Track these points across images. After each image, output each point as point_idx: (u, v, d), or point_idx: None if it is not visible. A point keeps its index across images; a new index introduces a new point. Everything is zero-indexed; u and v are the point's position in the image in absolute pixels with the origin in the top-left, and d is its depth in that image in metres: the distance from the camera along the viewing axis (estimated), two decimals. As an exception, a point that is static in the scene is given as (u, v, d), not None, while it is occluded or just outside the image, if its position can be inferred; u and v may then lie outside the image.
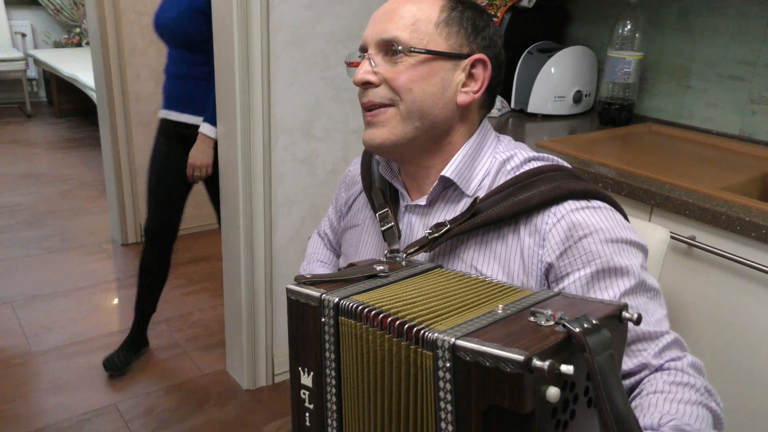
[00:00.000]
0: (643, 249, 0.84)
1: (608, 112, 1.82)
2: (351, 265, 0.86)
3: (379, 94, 0.86)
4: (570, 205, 0.82)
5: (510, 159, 0.89)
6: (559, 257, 0.81)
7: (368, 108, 0.87)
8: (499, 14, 1.92)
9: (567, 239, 0.80)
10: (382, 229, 0.92)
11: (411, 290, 0.72)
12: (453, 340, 0.58)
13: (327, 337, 0.70)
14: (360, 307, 0.67)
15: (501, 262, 0.84)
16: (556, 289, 0.81)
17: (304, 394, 0.74)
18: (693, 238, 1.25)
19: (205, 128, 1.94)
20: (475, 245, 0.86)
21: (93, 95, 3.89)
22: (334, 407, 0.71)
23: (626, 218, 0.87)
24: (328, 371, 0.71)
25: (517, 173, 0.87)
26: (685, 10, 1.77)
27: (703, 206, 1.22)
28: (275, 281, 2.05)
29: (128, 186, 3.09)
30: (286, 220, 2.00)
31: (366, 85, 0.86)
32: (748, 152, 1.60)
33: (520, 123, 1.87)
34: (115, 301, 2.65)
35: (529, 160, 0.89)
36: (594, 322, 0.59)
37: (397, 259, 0.85)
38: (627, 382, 0.79)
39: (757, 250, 1.16)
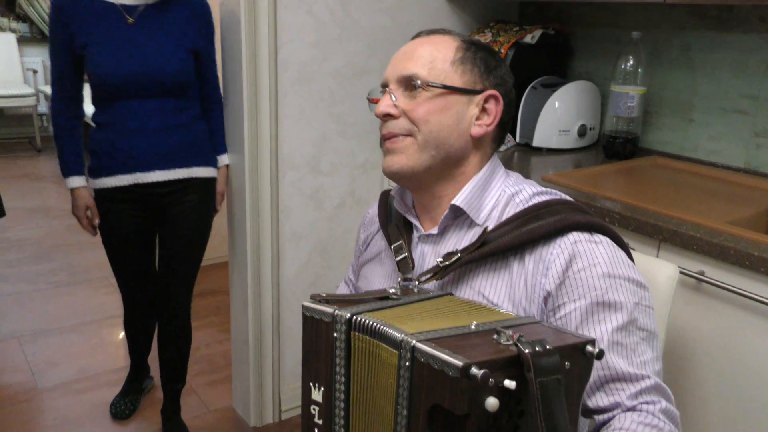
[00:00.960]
0: (641, 287, 0.86)
1: (613, 146, 1.84)
2: (367, 293, 0.89)
3: (398, 125, 0.92)
4: (574, 237, 0.85)
5: (519, 192, 0.94)
6: (558, 287, 0.84)
7: (388, 137, 0.93)
8: (503, 50, 1.95)
9: (566, 270, 0.83)
10: (397, 259, 0.96)
11: (417, 311, 0.77)
12: (414, 342, 0.65)
13: (338, 351, 0.74)
14: (373, 323, 0.71)
15: (507, 289, 0.87)
16: (552, 319, 0.84)
17: (314, 409, 0.78)
18: (702, 273, 1.24)
19: (224, 159, 1.91)
20: (484, 273, 0.90)
21: (102, 130, 3.94)
22: (342, 422, 0.75)
23: (630, 255, 0.89)
24: (337, 386, 0.75)
25: (526, 206, 0.91)
26: (686, 46, 1.80)
27: (711, 241, 1.22)
28: (282, 316, 2.05)
29: (136, 220, 3.11)
30: (293, 254, 2.01)
31: (387, 117, 0.92)
32: (754, 185, 1.60)
33: (525, 157, 1.88)
34: (121, 335, 2.64)
35: (537, 194, 0.93)
36: (548, 347, 0.64)
37: (410, 286, 0.89)
38: (599, 418, 0.82)
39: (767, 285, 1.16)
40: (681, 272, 1.23)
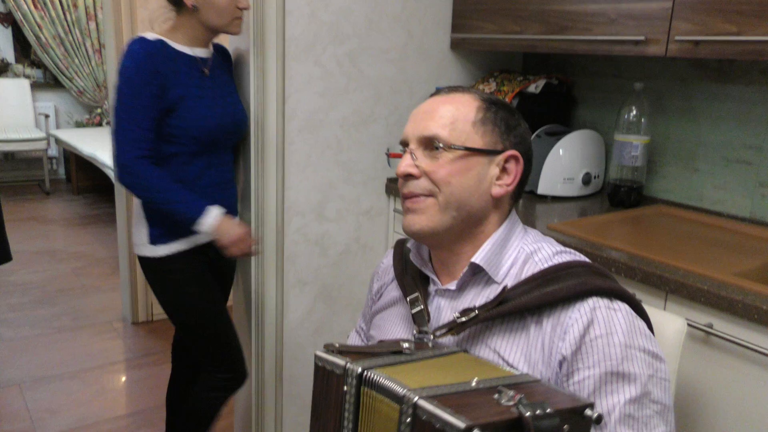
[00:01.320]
0: (658, 359, 0.84)
1: (618, 194, 1.84)
2: (380, 342, 0.90)
3: (419, 185, 0.92)
4: (593, 302, 0.84)
5: (538, 251, 0.94)
6: (574, 353, 0.82)
7: (409, 197, 0.94)
8: (507, 99, 1.98)
9: (583, 336, 0.82)
10: (413, 311, 0.96)
11: (427, 367, 0.76)
12: (416, 398, 0.64)
13: (347, 405, 0.74)
14: (379, 377, 0.70)
15: (523, 351, 0.86)
16: (565, 385, 0.83)
17: None
18: (710, 326, 1.23)
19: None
20: (501, 332, 0.88)
21: (110, 173, 3.99)
22: None
23: (649, 324, 0.88)
24: None
25: (545, 266, 0.90)
26: (688, 97, 1.82)
27: (719, 294, 1.20)
28: (286, 364, 2.02)
29: (141, 264, 3.11)
30: (297, 301, 2.00)
31: (408, 177, 0.93)
32: (760, 235, 1.60)
33: (530, 205, 1.89)
34: (123, 382, 2.61)
35: (557, 253, 0.93)
36: (548, 410, 0.64)
37: (425, 340, 0.88)
38: None
39: (778, 339, 1.14)
40: (689, 325, 1.21)
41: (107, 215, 4.97)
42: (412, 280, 1.01)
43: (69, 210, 5.15)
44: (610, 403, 0.80)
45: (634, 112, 1.78)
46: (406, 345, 0.81)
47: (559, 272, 0.88)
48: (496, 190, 0.93)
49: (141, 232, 1.68)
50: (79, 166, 5.58)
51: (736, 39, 1.36)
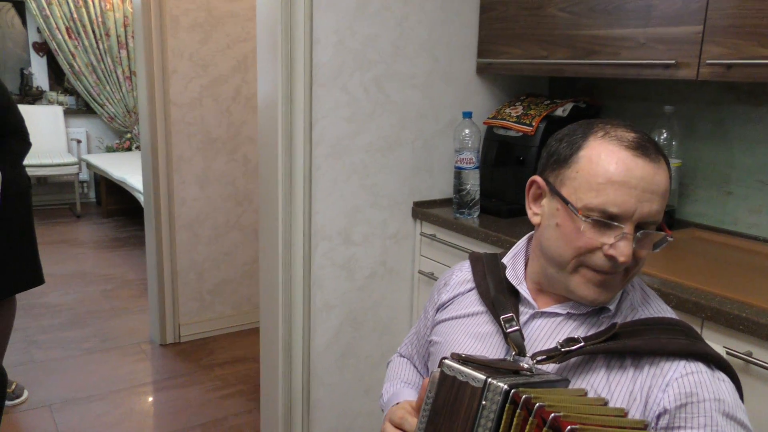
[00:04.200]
0: (747, 428, 0.84)
1: (648, 218, 1.81)
2: (466, 355, 0.85)
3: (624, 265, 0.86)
4: (701, 366, 0.83)
5: (649, 297, 0.94)
6: (678, 408, 0.81)
7: (610, 272, 0.87)
8: (534, 123, 1.97)
9: (691, 395, 0.81)
10: (508, 330, 0.92)
11: (575, 402, 0.73)
12: None
13: (483, 421, 0.72)
14: (533, 402, 0.67)
15: (621, 392, 0.85)
16: None
17: None
18: (749, 354, 1.20)
19: None
20: (600, 369, 0.87)
21: (140, 197, 4.06)
22: None
23: (741, 395, 0.88)
24: None
25: (656, 314, 0.91)
26: (720, 120, 1.80)
27: (758, 321, 1.17)
28: (313, 388, 2.02)
29: (169, 286, 3.15)
30: (324, 325, 2.00)
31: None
32: (798, 260, 1.56)
33: (558, 229, 1.87)
34: (150, 404, 2.62)
35: (662, 304, 0.94)
36: None
37: (521, 362, 0.86)
38: None
39: (821, 369, 1.11)
40: (728, 353, 1.18)
41: (136, 238, 5.04)
42: (502, 297, 0.97)
43: (99, 233, 5.25)
44: None
45: (665, 135, 1.76)
46: (526, 366, 0.80)
47: (674, 326, 0.88)
48: None
49: None
50: (110, 189, 5.69)
51: (770, 62, 1.34)
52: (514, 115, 2.05)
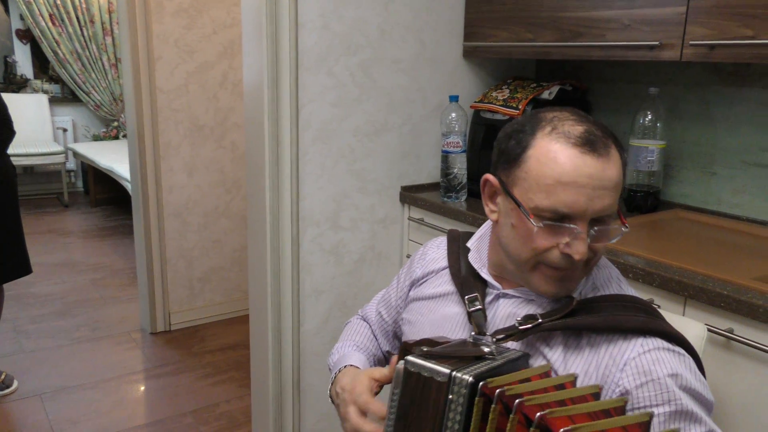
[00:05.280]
0: (710, 407, 0.84)
1: (634, 199, 1.83)
2: (427, 339, 0.86)
3: (582, 260, 0.85)
4: (658, 342, 0.84)
5: (612, 277, 0.94)
6: (639, 387, 0.81)
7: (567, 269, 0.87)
8: (521, 106, 1.98)
9: (649, 372, 0.81)
10: (470, 310, 0.95)
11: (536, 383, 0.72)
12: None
13: (452, 414, 0.71)
14: (501, 392, 0.67)
15: (583, 368, 0.85)
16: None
17: None
18: (731, 331, 1.21)
19: None
20: (558, 345, 0.88)
21: (128, 186, 4.04)
22: None
23: (703, 372, 0.88)
24: None
25: (615, 292, 0.91)
26: (704, 101, 1.81)
27: (739, 298, 1.19)
28: (303, 372, 2.03)
29: (159, 274, 3.14)
30: (313, 310, 2.01)
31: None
32: (780, 239, 1.58)
33: (545, 211, 1.88)
34: (142, 392, 2.63)
35: (623, 282, 0.95)
36: None
37: (483, 341, 0.87)
38: None
39: (800, 345, 1.13)
40: (709, 330, 1.20)
41: (125, 227, 5.02)
42: (471, 278, 0.99)
43: (87, 222, 5.21)
44: None
45: (650, 116, 1.77)
46: (487, 349, 0.80)
47: (631, 303, 0.88)
48: None
49: None
50: (97, 178, 5.65)
51: (752, 42, 1.35)
52: (501, 98, 2.05)
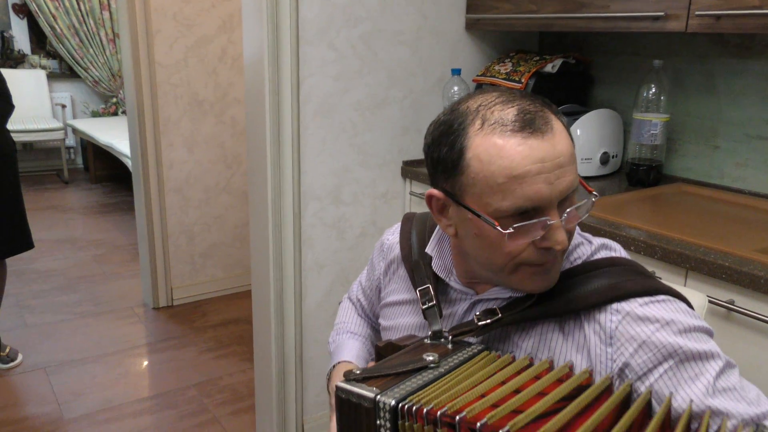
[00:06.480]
0: (711, 334, 0.79)
1: (637, 173, 1.82)
2: (391, 344, 0.84)
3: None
4: (634, 301, 0.78)
5: (579, 246, 0.87)
6: (634, 354, 0.76)
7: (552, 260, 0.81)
8: (523, 80, 1.96)
9: (639, 335, 0.76)
10: (423, 307, 0.89)
11: (474, 381, 0.70)
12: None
13: None
14: (419, 409, 0.65)
15: (563, 355, 0.81)
16: (642, 388, 0.75)
17: None
18: (732, 303, 1.22)
19: None
20: (536, 335, 0.83)
21: (128, 162, 4.03)
22: None
23: (690, 305, 0.82)
24: None
25: (574, 264, 0.84)
26: (709, 73, 1.79)
27: (740, 270, 1.20)
28: (305, 346, 2.04)
29: (160, 250, 3.15)
30: (315, 284, 2.01)
31: None
32: (782, 212, 1.58)
33: (547, 185, 1.87)
34: (145, 366, 2.65)
35: (600, 248, 0.86)
36: None
37: (442, 341, 0.82)
38: None
39: (801, 315, 1.13)
40: (710, 301, 1.21)
41: (125, 203, 5.02)
42: (423, 267, 0.93)
43: (88, 199, 5.21)
44: (701, 387, 0.72)
45: (654, 90, 1.76)
46: (429, 358, 0.74)
47: (589, 272, 0.81)
48: None
49: None
50: (97, 155, 5.63)
51: (759, 12, 1.34)
52: (503, 71, 2.04)
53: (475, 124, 0.76)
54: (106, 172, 5.76)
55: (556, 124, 0.76)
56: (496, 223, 0.75)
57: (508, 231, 0.74)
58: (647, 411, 0.70)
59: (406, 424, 0.66)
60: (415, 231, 1.01)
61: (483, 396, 0.66)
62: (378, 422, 0.68)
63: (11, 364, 2.57)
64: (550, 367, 0.74)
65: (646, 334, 0.76)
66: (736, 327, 1.23)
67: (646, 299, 0.78)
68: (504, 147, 0.73)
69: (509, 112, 0.75)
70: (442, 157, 0.79)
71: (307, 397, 2.09)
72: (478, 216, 0.76)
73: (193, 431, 2.22)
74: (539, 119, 0.74)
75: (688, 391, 0.73)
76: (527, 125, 0.74)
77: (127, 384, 2.50)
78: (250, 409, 2.31)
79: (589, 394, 0.66)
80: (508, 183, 0.73)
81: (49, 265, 3.69)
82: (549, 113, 0.77)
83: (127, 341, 2.84)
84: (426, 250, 0.95)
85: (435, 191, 0.82)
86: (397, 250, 1.03)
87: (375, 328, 1.18)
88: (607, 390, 0.69)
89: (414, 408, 0.65)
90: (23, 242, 2.51)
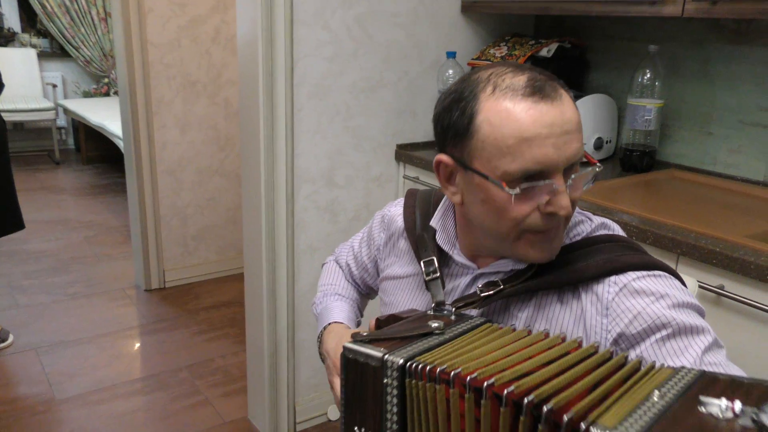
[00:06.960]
0: (703, 313, 0.82)
1: (630, 159, 1.83)
2: (393, 316, 0.85)
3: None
4: (631, 275, 0.80)
5: (580, 224, 0.89)
6: (629, 325, 0.78)
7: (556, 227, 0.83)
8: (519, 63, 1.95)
9: (634, 306, 0.78)
10: (427, 279, 0.91)
11: (479, 347, 0.70)
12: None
13: (389, 398, 0.70)
14: (429, 368, 0.65)
15: (560, 325, 0.83)
16: (632, 356, 0.77)
17: None
18: (722, 288, 1.23)
19: None
20: (533, 307, 0.85)
21: (120, 143, 4.00)
22: None
23: (684, 284, 0.85)
24: None
25: (574, 240, 0.87)
26: (704, 59, 1.79)
27: (731, 255, 1.20)
28: (297, 328, 2.05)
29: (153, 232, 3.14)
30: (308, 267, 2.01)
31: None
32: (774, 198, 1.58)
33: (541, 170, 1.87)
34: (137, 347, 2.66)
35: (598, 228, 0.89)
36: None
37: (445, 312, 0.84)
38: None
39: (789, 301, 1.14)
40: (700, 286, 1.22)
41: (117, 185, 4.99)
42: (426, 240, 0.95)
43: (79, 180, 5.18)
44: (690, 359, 0.75)
45: (648, 75, 1.75)
46: (435, 324, 0.76)
47: (588, 248, 0.84)
48: None
49: None
50: (88, 135, 5.59)
51: (755, -3, 1.33)
52: (499, 55, 2.03)
53: (487, 90, 0.78)
54: (98, 153, 5.71)
55: (565, 95, 0.78)
56: (504, 184, 0.77)
57: (515, 191, 0.76)
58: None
59: (413, 382, 0.67)
60: (419, 205, 1.02)
61: (494, 362, 0.66)
62: (385, 380, 0.69)
63: (2, 345, 2.57)
64: (563, 341, 0.74)
65: (641, 305, 0.78)
66: (726, 312, 1.24)
67: (643, 273, 0.81)
68: (514, 110, 0.75)
69: (520, 79, 0.77)
70: (452, 123, 0.81)
71: (299, 380, 2.10)
72: (486, 178, 0.78)
73: (185, 413, 2.22)
74: (549, 87, 0.77)
75: (675, 362, 0.75)
76: (537, 91, 0.76)
77: (119, 365, 2.50)
78: (242, 391, 2.32)
79: (575, 356, 0.67)
80: (517, 145, 0.75)
81: (41, 246, 3.68)
82: (557, 84, 0.79)
83: (119, 323, 2.84)
84: (430, 223, 0.96)
85: (444, 156, 0.84)
86: (399, 223, 1.04)
87: (362, 294, 1.19)
88: (593, 354, 0.70)
89: (427, 368, 0.65)
90: (14, 222, 2.49)
